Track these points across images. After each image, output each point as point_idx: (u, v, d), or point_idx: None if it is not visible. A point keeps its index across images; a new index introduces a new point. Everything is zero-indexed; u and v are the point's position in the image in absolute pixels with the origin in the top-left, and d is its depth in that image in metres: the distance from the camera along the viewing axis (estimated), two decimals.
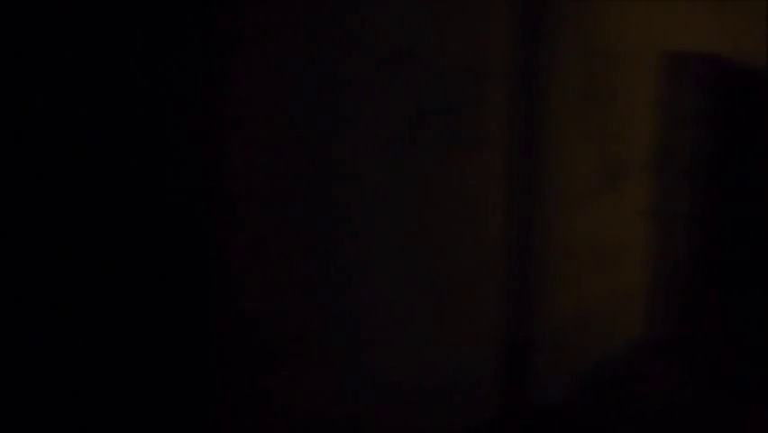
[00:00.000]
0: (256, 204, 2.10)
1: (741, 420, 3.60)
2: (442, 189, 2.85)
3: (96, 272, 1.80)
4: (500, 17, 3.14)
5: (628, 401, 3.79)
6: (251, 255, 2.10)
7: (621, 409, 3.70)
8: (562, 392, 3.67)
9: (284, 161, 2.18)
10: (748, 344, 4.86)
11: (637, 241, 4.47)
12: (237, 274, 2.07)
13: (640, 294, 4.57)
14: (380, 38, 2.49)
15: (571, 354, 3.79)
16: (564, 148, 3.59)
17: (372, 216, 2.51)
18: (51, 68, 1.68)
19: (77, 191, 1.75)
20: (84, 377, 1.80)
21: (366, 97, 2.45)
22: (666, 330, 4.72)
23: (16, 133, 1.64)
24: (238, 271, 2.07)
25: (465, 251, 3.00)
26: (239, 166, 2.04)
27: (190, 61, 1.91)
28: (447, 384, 2.93)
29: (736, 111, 5.90)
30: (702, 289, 5.18)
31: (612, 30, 3.95)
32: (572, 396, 3.74)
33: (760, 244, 6.14)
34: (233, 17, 1.99)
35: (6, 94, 1.62)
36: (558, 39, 3.45)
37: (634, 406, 3.73)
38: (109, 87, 1.79)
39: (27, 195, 1.68)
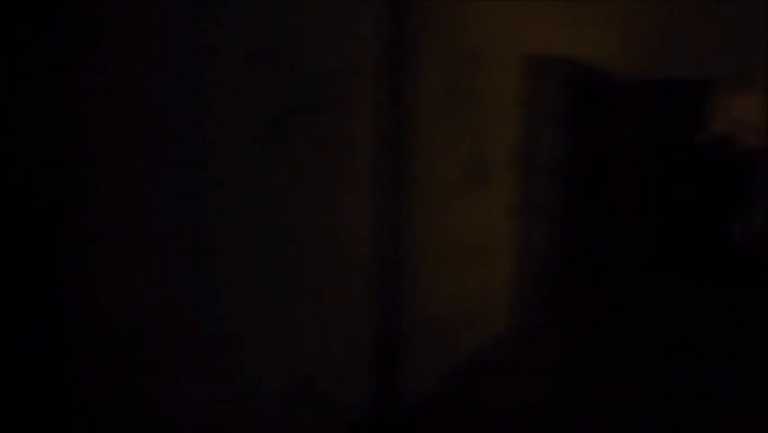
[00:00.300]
0: (120, 205, 2.01)
1: (604, 406, 3.76)
2: (310, 189, 2.81)
3: None
4: (367, 16, 3.12)
5: (497, 393, 3.88)
6: (115, 258, 2.00)
7: (490, 400, 3.78)
8: (433, 387, 3.73)
9: (147, 161, 2.09)
10: (609, 330, 5.16)
11: (504, 237, 4.65)
12: (98, 278, 1.96)
13: (508, 287, 4.74)
14: (245, 38, 2.43)
15: (442, 348, 3.88)
16: (431, 148, 3.65)
17: (241, 217, 2.45)
18: None
19: None
20: None
21: (231, 97, 2.38)
22: (533, 321, 4.96)
23: None
24: (99, 275, 1.96)
25: (335, 251, 2.98)
26: (99, 167, 1.94)
27: (42, 66, 1.77)
28: (319, 384, 2.90)
29: (592, 112, 6.28)
30: (565, 279, 5.48)
31: (477, 31, 4.03)
32: (443, 390, 3.81)
33: (615, 235, 6.85)
34: (85, 19, 1.88)
35: None
36: (424, 39, 3.49)
37: (502, 397, 3.83)
38: None
39: None
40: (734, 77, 7.42)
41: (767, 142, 6.71)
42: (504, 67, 4.51)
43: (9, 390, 1.76)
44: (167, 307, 2.18)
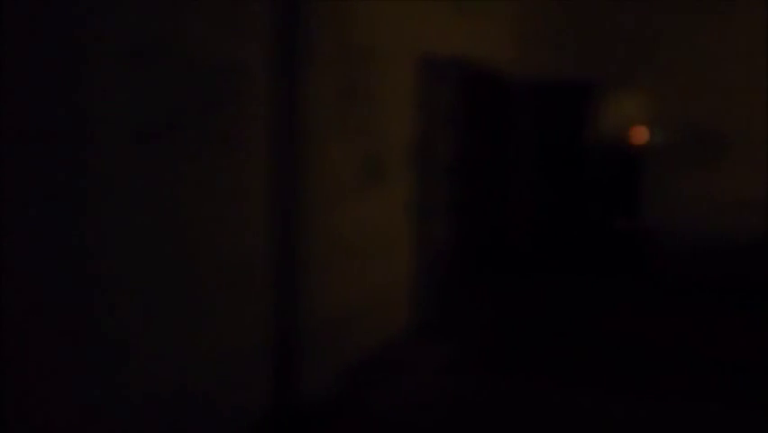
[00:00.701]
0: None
1: (503, 401, 3.86)
2: (199, 189, 2.75)
3: None
4: (258, 14, 3.09)
5: (397, 390, 3.91)
6: None
7: (390, 398, 3.81)
8: (333, 386, 3.73)
9: (27, 160, 2.02)
10: (506, 325, 5.31)
11: (402, 234, 4.68)
12: None
13: (407, 284, 4.78)
14: (128, 33, 2.35)
15: (341, 347, 3.88)
16: (326, 146, 3.64)
17: (126, 218, 2.38)
18: None
19: None
20: None
21: (115, 95, 2.30)
22: (432, 317, 5.03)
23: None
24: None
25: (228, 251, 2.93)
26: None
27: None
28: (217, 387, 2.86)
29: (487, 112, 6.46)
30: (463, 275, 5.62)
31: (372, 30, 4.06)
32: (343, 389, 3.81)
33: (508, 231, 7.10)
34: None
35: None
36: (318, 38, 3.48)
37: (402, 394, 3.87)
38: None
39: None
40: (620, 78, 7.76)
41: (649, 142, 7.03)
42: (399, 66, 4.53)
43: None
44: (38, 306, 2.09)
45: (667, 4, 6.65)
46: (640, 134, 7.41)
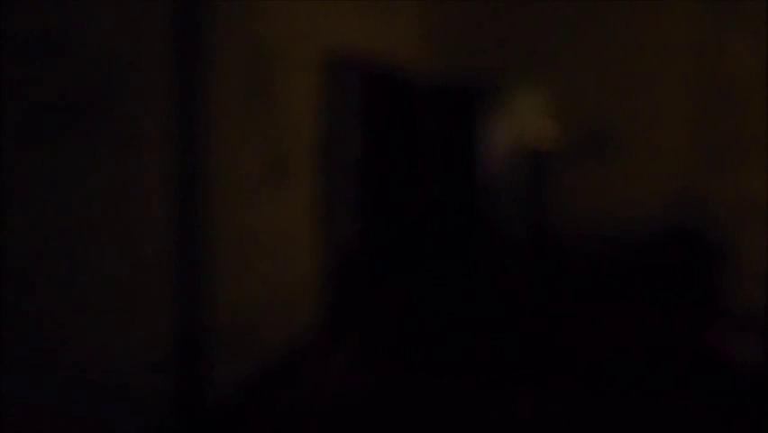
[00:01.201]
0: None
1: (410, 398, 3.93)
2: (95, 191, 2.66)
3: None
4: (156, 8, 3.00)
5: (304, 390, 3.96)
6: None
7: (293, 401, 3.84)
8: (239, 388, 3.69)
9: None
10: (411, 323, 5.44)
11: (308, 233, 4.68)
12: None
13: (313, 284, 4.78)
14: (12, 24, 2.22)
15: (247, 348, 3.85)
16: (230, 144, 3.59)
17: (13, 222, 2.27)
18: None
19: None
20: None
21: None
22: (338, 315, 5.04)
23: None
24: None
25: (127, 253, 2.86)
26: None
27: None
28: (114, 394, 2.79)
29: (389, 110, 6.55)
30: (368, 273, 5.68)
31: (276, 27, 4.03)
32: (249, 391, 3.78)
33: (413, 230, 7.12)
34: None
35: None
36: (220, 34, 3.42)
37: (305, 397, 3.90)
38: None
39: None
40: (519, 78, 8.01)
41: (552, 145, 7.30)
42: (304, 64, 4.51)
43: None
44: None
45: (566, 6, 6.92)
46: (540, 134, 7.69)
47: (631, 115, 6.84)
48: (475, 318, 5.56)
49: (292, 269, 4.46)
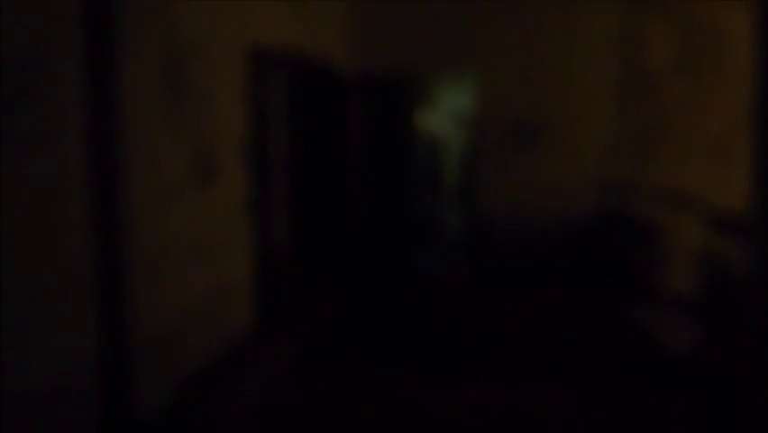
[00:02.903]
0: None
1: (345, 399, 3.90)
2: (7, 193, 2.46)
3: None
4: (67, 2, 2.82)
5: (239, 395, 3.87)
6: None
7: (230, 405, 3.74)
8: (164, 400, 3.53)
9: None
10: (346, 323, 5.37)
11: (238, 234, 4.55)
12: None
13: (245, 286, 4.66)
14: None
15: (179, 354, 3.69)
16: (153, 142, 3.41)
17: None
18: None
19: None
20: None
21: None
22: (271, 319, 4.94)
23: None
24: None
25: (43, 260, 2.67)
26: None
27: None
28: (33, 409, 2.62)
29: (320, 106, 6.50)
30: (301, 274, 5.57)
31: (197, 19, 3.87)
32: (181, 399, 3.65)
33: (345, 228, 7.03)
34: None
35: None
36: (137, 26, 3.24)
37: (242, 401, 3.81)
38: None
39: None
40: (453, 74, 8.02)
41: (473, 133, 7.33)
42: (229, 57, 4.35)
43: None
44: None
45: (492, 1, 6.96)
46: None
47: (558, 106, 6.95)
48: (408, 315, 5.51)
49: (223, 272, 4.30)
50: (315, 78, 6.40)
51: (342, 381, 4.07)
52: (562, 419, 3.54)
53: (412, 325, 5.21)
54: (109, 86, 3.00)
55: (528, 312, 5.50)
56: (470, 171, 8.08)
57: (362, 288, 6.48)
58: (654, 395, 3.80)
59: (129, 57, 3.15)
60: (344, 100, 7.02)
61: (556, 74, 6.93)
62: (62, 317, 2.79)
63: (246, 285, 4.67)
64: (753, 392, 2.86)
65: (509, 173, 7.09)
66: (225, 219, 4.34)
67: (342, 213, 7.10)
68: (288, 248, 5.21)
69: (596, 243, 6.91)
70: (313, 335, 4.91)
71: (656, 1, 6.76)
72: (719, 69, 6.72)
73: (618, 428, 3.46)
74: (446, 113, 14.28)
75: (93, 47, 2.91)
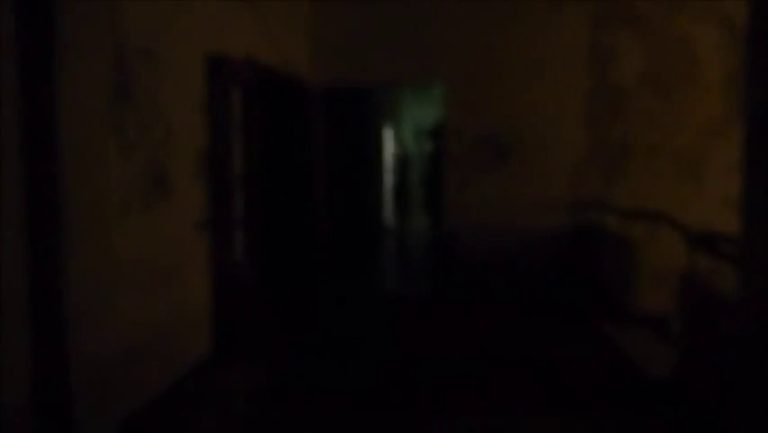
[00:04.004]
0: None
1: (309, 427, 3.65)
2: None
3: None
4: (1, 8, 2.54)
5: (198, 424, 3.59)
6: None
7: None
8: (123, 430, 3.23)
9: None
10: (309, 345, 5.08)
11: (195, 253, 4.26)
12: None
13: (203, 307, 4.37)
14: None
15: (127, 388, 3.39)
16: (100, 156, 3.14)
17: None
18: None
19: None
20: None
21: None
22: (232, 342, 4.61)
23: None
24: None
25: None
26: None
27: None
28: None
29: (284, 118, 6.33)
30: (260, 295, 5.22)
31: (153, 26, 3.62)
32: (137, 431, 3.36)
33: (307, 246, 6.84)
34: None
35: None
36: (83, 32, 2.97)
37: (204, 428, 3.55)
38: None
39: None
40: (421, 87, 7.86)
41: (441, 147, 7.16)
42: (186, 67, 4.09)
43: None
44: None
45: (460, 13, 6.83)
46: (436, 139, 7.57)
47: (527, 119, 6.82)
48: (372, 338, 5.26)
49: (178, 296, 4.01)
50: (279, 90, 6.17)
51: (303, 411, 3.80)
52: None
53: (376, 349, 4.95)
54: (51, 98, 2.72)
55: (498, 333, 5.30)
56: (435, 186, 7.91)
57: (325, 309, 6.22)
58: (636, 419, 3.62)
59: (77, 66, 2.88)
60: (308, 112, 6.79)
61: (526, 87, 6.80)
62: None
63: (204, 309, 4.39)
64: (744, 416, 2.69)
65: (476, 188, 6.93)
66: (180, 238, 4.06)
67: (305, 230, 6.86)
68: (248, 269, 4.94)
69: (565, 260, 6.78)
70: (273, 361, 4.62)
71: (625, 15, 6.69)
72: (687, 84, 6.67)
73: None
74: (412, 125, 14.18)
75: (35, 56, 2.63)
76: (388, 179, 11.55)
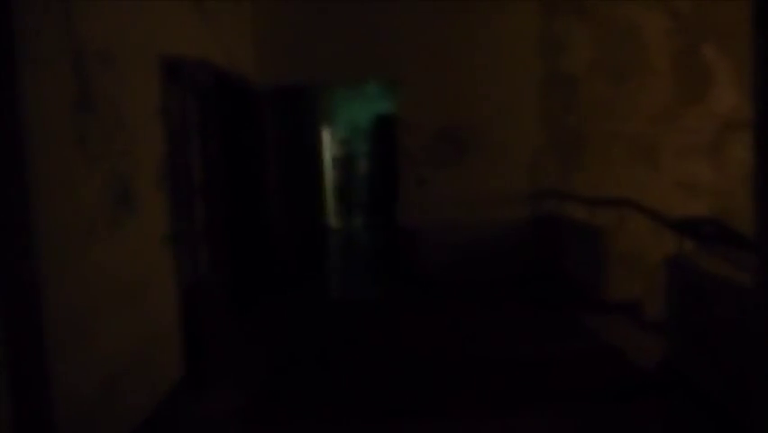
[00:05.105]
0: None
1: None
2: None
3: None
4: None
5: None
6: None
7: None
8: None
9: None
10: (281, 357, 4.88)
11: (162, 269, 3.97)
12: None
13: (174, 327, 4.09)
14: None
15: (111, 412, 3.13)
16: (66, 173, 2.85)
17: None
18: None
19: None
20: None
21: None
22: (205, 362, 4.31)
23: None
24: None
25: None
26: None
27: None
28: None
29: (236, 122, 6.06)
30: (227, 310, 4.96)
31: (110, 27, 3.34)
32: None
33: (265, 255, 6.62)
34: None
35: None
36: (43, 40, 2.71)
37: None
38: None
39: None
40: (365, 81, 7.69)
41: (398, 143, 7.01)
42: (142, 71, 3.81)
43: None
44: None
45: (409, 6, 6.69)
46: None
47: (483, 112, 6.76)
48: (344, 346, 5.07)
49: (147, 316, 3.72)
50: (230, 92, 5.89)
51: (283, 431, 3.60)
52: None
53: (352, 358, 4.75)
54: (6, 106, 2.43)
55: (476, 332, 5.19)
56: (382, 183, 7.76)
57: (291, 319, 5.99)
58: (635, 411, 3.57)
59: (31, 73, 2.58)
60: (258, 115, 6.54)
61: (480, 78, 6.74)
62: None
63: (173, 329, 4.10)
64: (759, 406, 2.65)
65: (435, 183, 6.83)
66: (147, 255, 3.76)
67: (262, 237, 6.60)
68: (215, 283, 4.67)
69: (529, 252, 6.75)
70: (248, 380, 4.38)
71: (574, 2, 6.70)
72: (637, 70, 6.74)
73: None
74: (347, 124, 14.01)
75: None
76: (336, 179, 11.35)
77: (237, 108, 6.17)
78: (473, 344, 4.87)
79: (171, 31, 4.30)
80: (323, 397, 4.02)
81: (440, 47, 6.74)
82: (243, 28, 6.35)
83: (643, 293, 5.36)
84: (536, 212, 6.75)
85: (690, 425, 3.41)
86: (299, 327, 5.65)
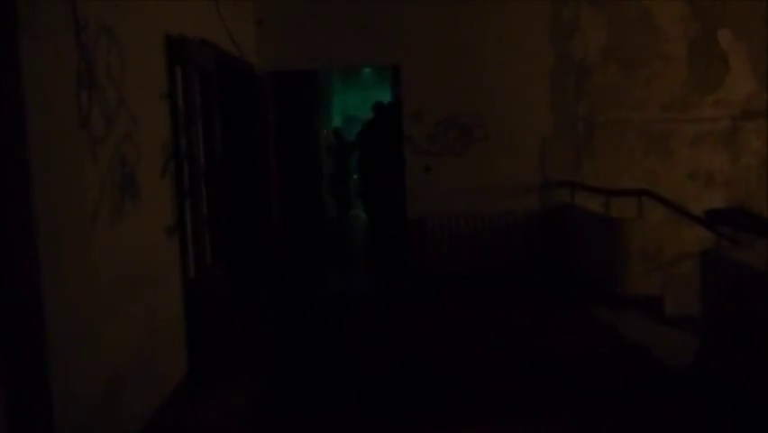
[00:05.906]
0: None
1: None
2: None
3: None
4: None
5: None
6: None
7: None
8: None
9: None
10: (284, 353, 4.72)
11: (166, 261, 3.75)
12: None
13: (178, 323, 3.88)
14: None
15: (116, 413, 2.93)
16: (70, 156, 2.64)
17: None
18: None
19: None
20: None
21: None
22: (208, 360, 4.10)
23: None
24: None
25: None
26: None
27: None
28: None
29: (236, 104, 5.83)
30: (238, 301, 4.81)
31: (111, 6, 3.07)
32: None
33: (265, 245, 6.41)
34: None
35: None
36: (45, 9, 2.46)
37: None
38: None
39: None
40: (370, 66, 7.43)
41: (405, 133, 6.77)
42: (145, 49, 3.56)
43: None
44: None
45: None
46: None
47: (492, 99, 6.55)
48: (350, 341, 4.85)
49: (151, 311, 3.47)
50: (232, 75, 5.64)
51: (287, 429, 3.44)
52: None
53: (360, 355, 4.53)
54: (7, 84, 2.18)
55: (492, 327, 5.00)
56: (385, 173, 7.53)
57: (293, 313, 5.78)
58: (672, 412, 3.39)
59: (33, 48, 2.33)
60: (260, 99, 6.29)
61: (489, 66, 6.52)
62: None
63: (177, 325, 3.86)
64: None
65: (440, 173, 6.61)
66: (152, 246, 3.52)
67: (262, 225, 6.36)
68: (219, 275, 4.43)
69: (539, 243, 6.56)
70: (251, 380, 4.16)
71: None
72: (650, 57, 6.54)
73: None
74: (342, 111, 13.77)
75: None
76: (335, 166, 11.12)
77: (238, 92, 5.92)
78: (486, 343, 4.65)
79: (176, 10, 4.05)
80: (328, 399, 3.81)
81: (447, 32, 6.51)
82: (245, 8, 6.09)
83: (662, 287, 5.19)
84: (547, 203, 6.56)
85: (727, 429, 3.23)
86: (300, 323, 5.45)
